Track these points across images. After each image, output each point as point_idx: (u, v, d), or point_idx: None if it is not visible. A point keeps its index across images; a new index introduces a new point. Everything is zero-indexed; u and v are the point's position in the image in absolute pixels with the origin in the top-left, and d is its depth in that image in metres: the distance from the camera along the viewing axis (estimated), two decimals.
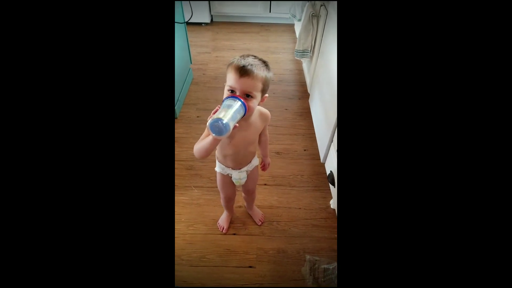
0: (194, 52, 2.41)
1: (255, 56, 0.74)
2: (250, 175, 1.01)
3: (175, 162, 1.51)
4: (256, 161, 1.00)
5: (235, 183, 1.00)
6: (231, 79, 0.72)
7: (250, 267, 1.11)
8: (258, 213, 1.27)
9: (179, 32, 1.81)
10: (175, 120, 1.79)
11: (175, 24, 1.65)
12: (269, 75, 0.75)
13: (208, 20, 3.00)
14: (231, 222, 1.25)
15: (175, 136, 1.67)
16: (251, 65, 0.70)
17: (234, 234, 1.22)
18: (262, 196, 1.36)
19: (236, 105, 0.69)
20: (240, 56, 0.73)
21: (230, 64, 0.73)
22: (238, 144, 0.87)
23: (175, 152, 1.57)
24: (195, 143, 0.82)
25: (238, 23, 3.09)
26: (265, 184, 1.42)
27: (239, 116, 0.71)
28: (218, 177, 1.02)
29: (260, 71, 0.72)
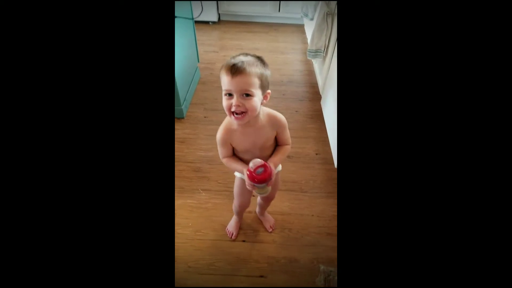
0: (201, 51, 2.36)
1: (246, 54, 0.70)
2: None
3: (182, 163, 1.46)
4: (278, 168, 0.94)
5: (257, 193, 0.94)
6: (225, 81, 0.67)
7: (261, 276, 1.05)
8: (269, 220, 1.21)
9: (187, 29, 1.75)
10: (182, 120, 1.73)
11: (183, 20, 1.60)
12: (266, 71, 0.70)
13: (215, 19, 2.95)
14: (240, 228, 1.19)
15: (182, 136, 1.62)
16: (242, 62, 0.65)
17: (244, 241, 1.16)
18: (273, 202, 1.29)
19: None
20: (231, 57, 0.69)
21: (221, 68, 0.68)
22: (250, 151, 0.82)
23: (182, 154, 1.51)
24: (225, 160, 0.85)
25: (246, 23, 3.03)
26: None
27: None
28: (237, 182, 0.96)
29: (253, 67, 0.66)
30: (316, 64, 2.07)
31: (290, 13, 2.92)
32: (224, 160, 0.85)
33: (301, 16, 2.19)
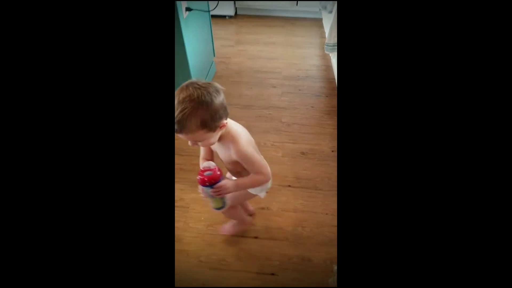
0: (218, 45, 2.34)
1: (192, 89, 0.62)
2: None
3: (196, 157, 1.45)
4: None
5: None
6: None
7: (273, 274, 1.03)
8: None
9: (203, 23, 1.75)
10: None
11: (199, 14, 1.59)
12: (212, 108, 0.63)
13: (232, 13, 2.93)
14: (253, 225, 1.18)
15: None
16: (179, 121, 0.61)
17: (256, 237, 1.14)
18: (286, 199, 1.28)
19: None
20: (177, 94, 0.63)
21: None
22: (223, 161, 0.84)
23: (195, 147, 1.51)
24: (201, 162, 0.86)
25: (263, 17, 3.00)
26: (289, 186, 1.33)
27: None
28: None
29: (191, 123, 0.62)
30: (333, 58, 2.01)
31: (308, 7, 2.86)
32: (200, 162, 0.86)
33: (320, 9, 2.14)
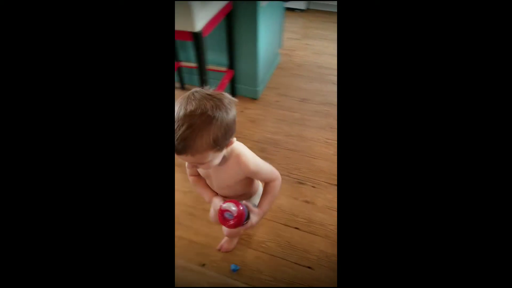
0: (284, 37, 2.36)
1: (202, 100, 0.52)
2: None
3: (249, 141, 1.50)
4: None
5: None
6: None
7: (309, 267, 1.04)
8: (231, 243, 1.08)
9: (277, 14, 1.77)
10: (256, 101, 1.78)
11: (275, 4, 1.61)
12: (224, 124, 0.53)
13: (303, 7, 2.91)
14: (295, 215, 1.19)
15: (253, 116, 1.66)
16: (185, 139, 0.50)
17: (297, 228, 1.15)
18: (332, 197, 1.26)
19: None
20: (179, 105, 0.52)
21: None
22: (216, 186, 0.74)
23: (251, 132, 1.56)
24: (192, 179, 0.77)
25: (333, 13, 2.92)
26: (333, 184, 1.31)
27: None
28: None
29: (201, 141, 0.51)
30: None
31: None
32: (191, 179, 0.77)
33: None
